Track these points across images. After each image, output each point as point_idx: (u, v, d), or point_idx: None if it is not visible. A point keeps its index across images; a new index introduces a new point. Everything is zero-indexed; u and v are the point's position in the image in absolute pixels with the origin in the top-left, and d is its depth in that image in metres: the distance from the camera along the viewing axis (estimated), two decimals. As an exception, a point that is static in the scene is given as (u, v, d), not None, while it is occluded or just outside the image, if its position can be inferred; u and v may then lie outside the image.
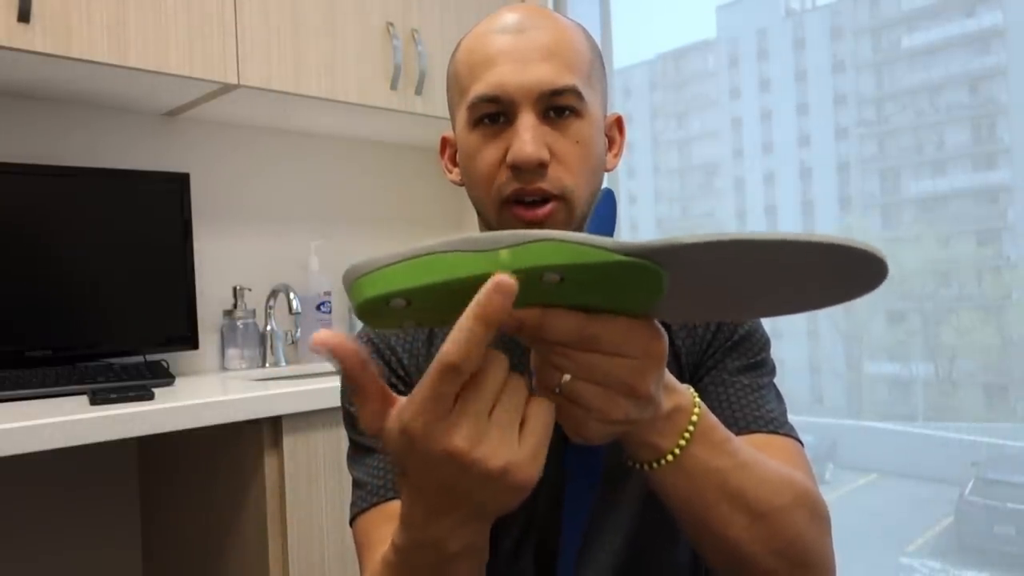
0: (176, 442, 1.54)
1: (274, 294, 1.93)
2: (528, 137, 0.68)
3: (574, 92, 0.70)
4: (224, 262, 1.91)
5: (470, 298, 0.43)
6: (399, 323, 0.46)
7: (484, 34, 0.73)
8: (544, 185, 0.69)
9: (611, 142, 0.80)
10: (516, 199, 0.70)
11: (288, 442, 1.35)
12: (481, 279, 0.42)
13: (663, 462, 0.55)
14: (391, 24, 1.86)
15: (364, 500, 0.75)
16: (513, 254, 0.43)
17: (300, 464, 1.36)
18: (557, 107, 0.70)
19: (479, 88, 0.71)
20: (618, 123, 0.81)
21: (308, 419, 1.37)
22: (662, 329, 0.49)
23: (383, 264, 0.44)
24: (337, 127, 2.05)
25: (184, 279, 1.73)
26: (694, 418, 0.55)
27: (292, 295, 1.87)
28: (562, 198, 0.70)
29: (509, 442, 0.46)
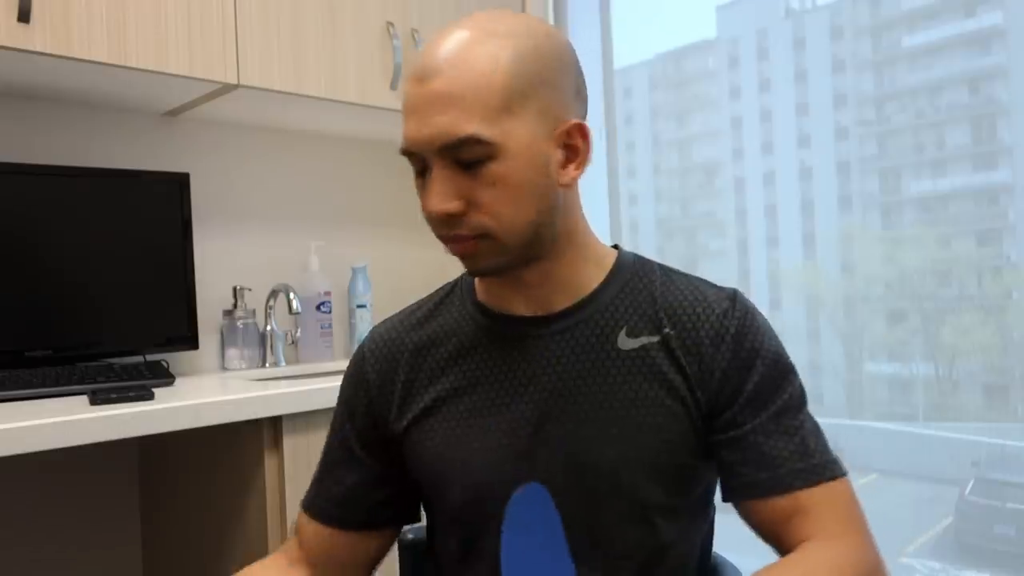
0: (176, 442, 1.54)
1: (274, 294, 1.93)
2: (433, 191, 0.70)
3: (473, 141, 0.68)
4: (224, 262, 1.91)
5: None
6: None
7: (406, 78, 0.73)
8: (462, 231, 0.71)
9: (572, 151, 0.74)
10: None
11: (288, 442, 1.35)
12: None
13: None
14: (391, 24, 1.87)
15: (310, 502, 0.88)
16: None
17: (300, 464, 1.36)
18: (461, 157, 0.69)
19: (401, 142, 0.73)
20: (579, 130, 0.73)
21: (308, 419, 1.37)
22: None
23: None
24: (337, 127, 2.05)
25: (184, 279, 1.73)
26: None
27: (292, 295, 1.87)
28: (486, 237, 0.71)
29: None
